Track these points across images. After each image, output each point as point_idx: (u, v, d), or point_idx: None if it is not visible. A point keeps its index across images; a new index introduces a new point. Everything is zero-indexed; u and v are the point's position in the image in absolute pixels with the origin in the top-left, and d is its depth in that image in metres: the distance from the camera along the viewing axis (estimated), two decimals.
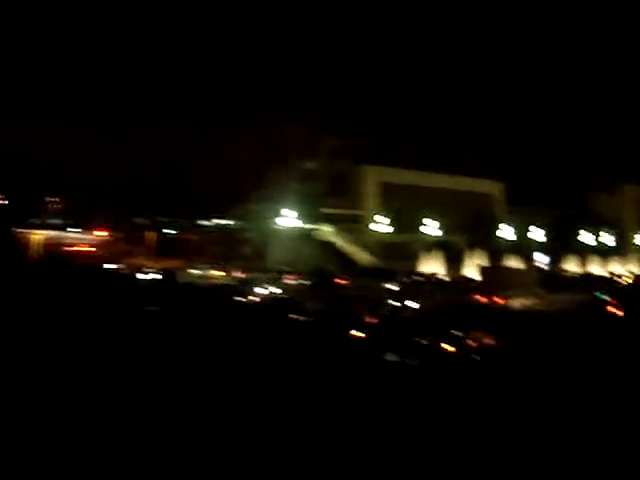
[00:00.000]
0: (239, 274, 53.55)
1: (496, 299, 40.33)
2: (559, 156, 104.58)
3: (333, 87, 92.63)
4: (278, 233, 72.42)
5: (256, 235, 73.89)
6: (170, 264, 57.58)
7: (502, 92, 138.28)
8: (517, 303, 39.79)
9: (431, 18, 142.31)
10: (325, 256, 66.97)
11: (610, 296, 44.36)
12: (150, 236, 73.04)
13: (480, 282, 55.44)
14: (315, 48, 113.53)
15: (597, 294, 43.81)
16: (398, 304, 32.23)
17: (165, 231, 74.03)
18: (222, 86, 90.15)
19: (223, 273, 54.96)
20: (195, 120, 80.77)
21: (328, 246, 73.90)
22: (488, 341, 19.46)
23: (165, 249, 68.31)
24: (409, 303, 31.63)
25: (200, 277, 51.09)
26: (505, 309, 37.22)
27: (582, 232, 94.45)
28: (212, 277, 52.85)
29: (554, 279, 65.56)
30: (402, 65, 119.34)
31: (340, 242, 76.05)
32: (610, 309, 35.34)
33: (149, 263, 60.47)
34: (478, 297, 41.76)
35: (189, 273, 53.08)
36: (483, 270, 60.10)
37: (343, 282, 49.08)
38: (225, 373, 17.32)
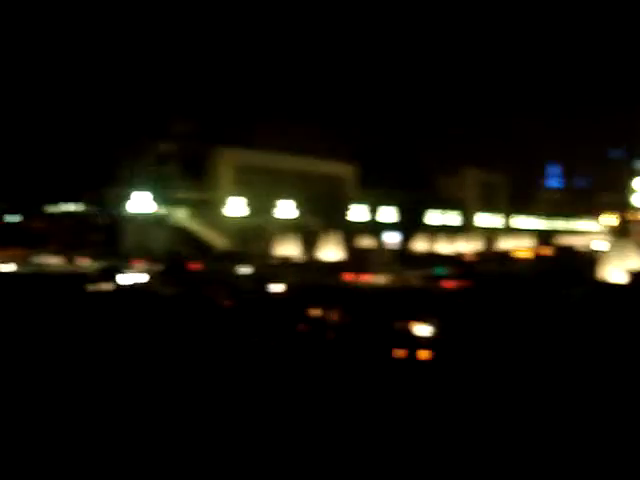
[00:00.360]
0: (87, 261, 51.24)
1: (363, 278, 41.65)
2: (407, 141, 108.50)
3: (186, 67, 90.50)
4: (131, 218, 70.05)
5: (108, 220, 71.13)
6: (12, 254, 54.21)
7: (355, 76, 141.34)
8: (381, 280, 41.13)
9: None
10: (179, 241, 65.68)
11: (454, 271, 47.02)
12: None
13: (346, 262, 56.81)
14: (169, 30, 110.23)
15: (436, 270, 46.00)
16: (255, 287, 32.08)
17: (7, 218, 69.68)
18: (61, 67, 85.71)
19: (69, 261, 52.35)
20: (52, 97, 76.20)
21: (182, 231, 72.45)
22: (342, 319, 19.77)
23: (6, 238, 64.24)
24: (272, 286, 31.57)
25: (44, 266, 48.38)
26: (367, 287, 38.27)
27: (429, 213, 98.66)
28: (57, 266, 50.14)
29: (405, 257, 68.18)
30: (254, 45, 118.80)
31: (195, 226, 74.77)
32: (445, 284, 37.54)
33: None
34: (346, 276, 42.92)
35: (33, 262, 50.23)
36: (349, 250, 62.00)
37: (197, 267, 48.22)
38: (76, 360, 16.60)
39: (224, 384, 15.00)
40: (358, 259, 56.26)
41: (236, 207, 79.37)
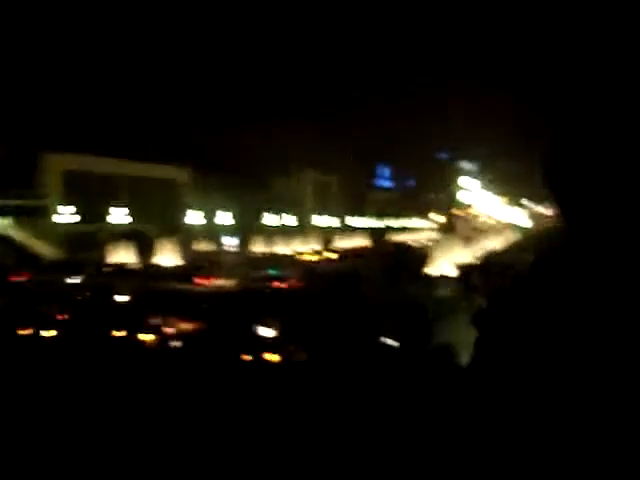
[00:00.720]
0: None
1: (211, 281, 41.42)
2: (242, 143, 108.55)
3: (12, 67, 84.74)
4: None
5: None
6: None
7: (185, 79, 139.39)
8: (228, 283, 41.21)
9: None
10: (2, 251, 61.31)
11: (291, 271, 47.96)
12: None
13: (188, 267, 55.98)
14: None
15: (269, 271, 46.62)
16: (90, 297, 30.57)
17: None
18: None
19: None
20: None
21: (5, 240, 67.70)
22: (186, 326, 19.23)
23: None
24: (117, 297, 30.17)
25: None
26: (215, 290, 37.99)
27: (267, 215, 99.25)
28: None
29: (245, 260, 68.22)
30: (86, 49, 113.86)
31: (20, 235, 70.14)
32: (276, 284, 38.41)
33: None
34: (198, 281, 42.75)
35: None
36: (192, 255, 61.45)
37: (22, 278, 45.25)
38: None
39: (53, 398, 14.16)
40: (201, 263, 56.08)
41: (66, 214, 75.41)
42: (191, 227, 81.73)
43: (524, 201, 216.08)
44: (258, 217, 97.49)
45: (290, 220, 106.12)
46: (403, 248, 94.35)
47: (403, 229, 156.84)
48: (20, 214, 71.81)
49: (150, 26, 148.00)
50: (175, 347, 18.18)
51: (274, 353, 16.56)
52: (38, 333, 21.26)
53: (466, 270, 46.74)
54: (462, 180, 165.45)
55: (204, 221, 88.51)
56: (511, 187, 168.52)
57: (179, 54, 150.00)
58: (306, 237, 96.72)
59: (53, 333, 21.27)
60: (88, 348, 19.27)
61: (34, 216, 73.01)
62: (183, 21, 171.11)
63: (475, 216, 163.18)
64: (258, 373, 15.96)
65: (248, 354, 16.57)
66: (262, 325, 18.09)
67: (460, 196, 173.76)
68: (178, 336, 18.60)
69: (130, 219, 79.45)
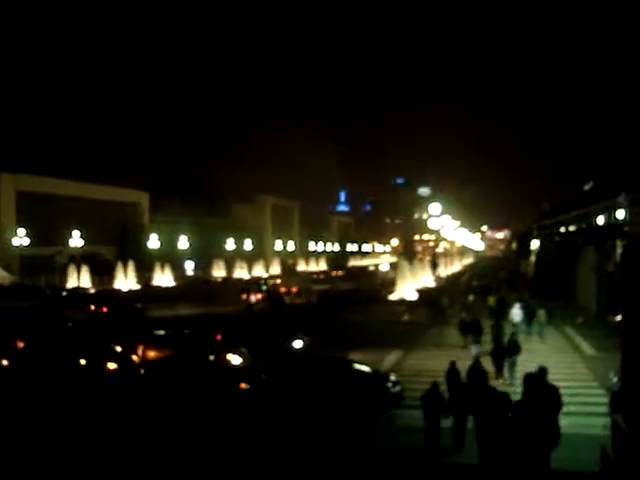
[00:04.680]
0: None
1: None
2: (202, 169, 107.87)
3: None
4: None
5: None
6: None
7: (147, 105, 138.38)
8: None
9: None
10: None
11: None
12: None
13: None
14: None
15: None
16: (46, 323, 29.47)
17: None
18: None
19: None
20: None
21: None
22: (155, 353, 18.57)
23: None
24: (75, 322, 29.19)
25: None
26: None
27: (226, 240, 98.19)
28: None
29: (208, 286, 67.39)
30: (36, 69, 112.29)
31: None
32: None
33: None
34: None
35: None
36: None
37: None
38: None
39: None
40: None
41: (20, 237, 73.24)
42: (151, 251, 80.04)
43: (483, 227, 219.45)
44: (218, 242, 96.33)
45: (251, 245, 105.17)
46: (363, 273, 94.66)
47: (363, 253, 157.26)
48: None
49: (108, 51, 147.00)
50: (141, 375, 17.52)
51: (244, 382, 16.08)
52: None
53: (427, 294, 46.85)
54: (421, 205, 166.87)
55: (163, 246, 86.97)
56: (468, 212, 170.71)
57: (141, 79, 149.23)
58: (267, 262, 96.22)
59: (5, 363, 20.21)
60: (45, 377, 18.39)
61: None
62: (142, 53, 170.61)
63: (434, 241, 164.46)
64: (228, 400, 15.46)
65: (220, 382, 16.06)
66: (233, 352, 17.61)
67: (419, 221, 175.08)
68: (144, 364, 17.94)
69: (88, 242, 77.48)
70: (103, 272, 65.68)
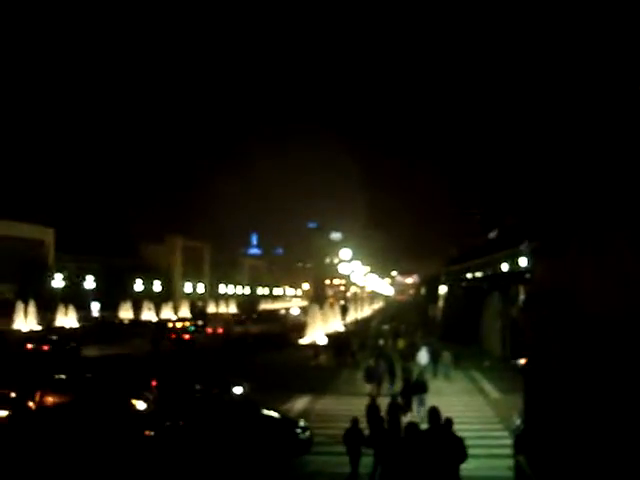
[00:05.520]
0: None
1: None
2: (111, 207, 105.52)
3: None
4: None
5: None
6: None
7: (55, 138, 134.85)
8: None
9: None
10: None
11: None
12: None
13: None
14: None
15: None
16: None
17: None
18: None
19: None
20: None
21: None
22: (53, 399, 17.65)
23: None
24: None
25: None
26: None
27: (135, 280, 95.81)
28: None
29: (113, 327, 65.44)
30: None
31: None
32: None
33: None
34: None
35: None
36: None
37: None
38: None
39: None
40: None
41: None
42: (55, 290, 76.97)
43: (393, 272, 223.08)
44: (125, 282, 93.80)
45: (158, 286, 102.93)
46: (274, 316, 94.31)
47: (274, 297, 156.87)
48: None
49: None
50: (36, 422, 16.57)
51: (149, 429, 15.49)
52: None
53: (337, 338, 46.98)
54: (332, 249, 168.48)
55: (67, 284, 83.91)
56: (378, 257, 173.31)
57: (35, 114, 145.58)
58: (175, 304, 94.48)
59: None
60: None
61: None
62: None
63: (345, 285, 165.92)
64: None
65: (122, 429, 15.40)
66: (137, 398, 16.95)
67: (330, 265, 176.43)
68: (41, 410, 17.01)
69: None
70: (2, 312, 62.72)
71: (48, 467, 14.26)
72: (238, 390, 21.42)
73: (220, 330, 60.65)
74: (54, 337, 44.86)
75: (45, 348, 40.33)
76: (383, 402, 15.98)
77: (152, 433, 15.39)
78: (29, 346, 41.06)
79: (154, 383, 19.10)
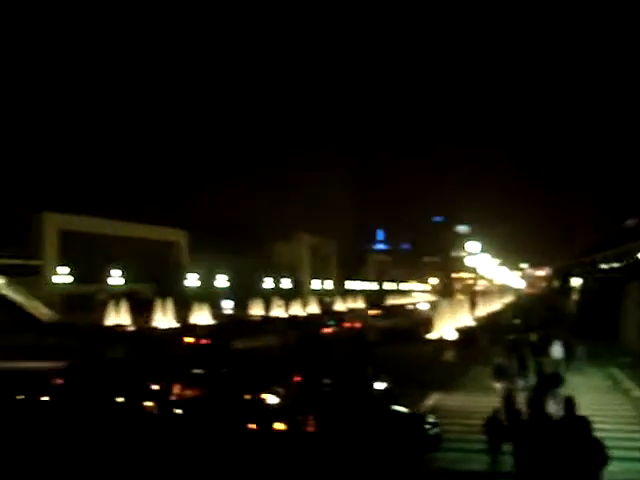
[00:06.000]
0: None
1: None
2: (240, 207, 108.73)
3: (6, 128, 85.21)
4: None
5: None
6: None
7: (181, 140, 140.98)
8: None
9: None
10: None
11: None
12: None
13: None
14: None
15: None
16: (85, 360, 29.70)
17: None
18: None
19: None
20: None
21: (1, 301, 66.82)
22: (190, 392, 18.49)
23: None
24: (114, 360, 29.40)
25: None
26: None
27: (264, 278, 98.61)
28: None
29: (244, 324, 67.73)
30: (87, 111, 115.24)
31: (15, 295, 69.21)
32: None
33: None
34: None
35: None
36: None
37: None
38: None
39: None
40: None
41: (62, 274, 74.64)
42: (189, 289, 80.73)
43: (523, 265, 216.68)
44: (255, 280, 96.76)
45: (287, 283, 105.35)
46: (402, 311, 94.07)
47: (402, 292, 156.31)
48: (15, 274, 71.07)
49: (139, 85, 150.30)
50: (177, 414, 17.49)
51: (282, 421, 15.89)
52: (32, 398, 20.55)
53: (467, 333, 46.15)
54: (459, 243, 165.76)
55: (200, 284, 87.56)
56: (507, 250, 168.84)
57: (174, 115, 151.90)
58: (303, 300, 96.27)
59: (46, 398, 20.53)
60: (84, 414, 18.56)
61: (29, 276, 72.28)
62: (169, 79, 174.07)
63: (473, 279, 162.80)
64: (266, 442, 15.30)
65: (254, 423, 15.93)
66: (270, 391, 17.43)
67: (457, 259, 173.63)
68: (180, 402, 17.93)
69: (127, 280, 78.58)
70: (142, 310, 66.15)
71: (180, 458, 15.02)
72: (380, 385, 21.27)
73: (357, 324, 62.01)
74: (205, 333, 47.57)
75: (202, 342, 42.78)
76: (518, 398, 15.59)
77: (282, 427, 15.76)
78: (189, 340, 43.64)
79: (292, 377, 19.44)
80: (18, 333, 48.29)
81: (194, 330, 54.61)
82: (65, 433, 17.49)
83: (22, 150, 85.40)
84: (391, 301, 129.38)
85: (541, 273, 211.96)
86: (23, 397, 20.84)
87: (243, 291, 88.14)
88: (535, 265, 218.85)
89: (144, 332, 55.83)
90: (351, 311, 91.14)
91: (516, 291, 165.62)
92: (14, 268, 71.44)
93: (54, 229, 77.52)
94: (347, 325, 62.35)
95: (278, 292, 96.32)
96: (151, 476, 14.53)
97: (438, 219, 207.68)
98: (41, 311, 68.08)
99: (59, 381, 21.74)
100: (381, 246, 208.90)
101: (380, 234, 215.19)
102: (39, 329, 52.38)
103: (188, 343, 43.27)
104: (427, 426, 15.84)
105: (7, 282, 69.94)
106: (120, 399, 19.12)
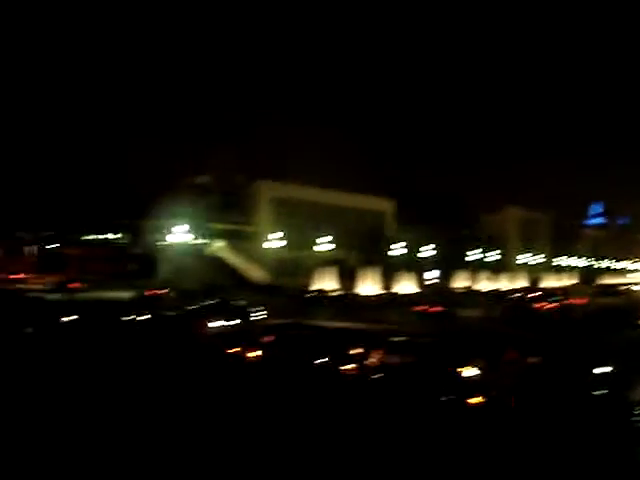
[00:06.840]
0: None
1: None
2: (448, 178, 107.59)
3: (226, 103, 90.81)
4: (168, 248, 69.77)
5: (145, 250, 71.04)
6: (51, 279, 54.29)
7: (399, 116, 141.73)
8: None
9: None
10: (215, 272, 65.02)
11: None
12: (30, 250, 69.05)
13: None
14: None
15: None
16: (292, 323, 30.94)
17: (47, 245, 70.09)
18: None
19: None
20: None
21: (219, 262, 71.97)
22: (392, 360, 18.70)
23: (46, 264, 64.69)
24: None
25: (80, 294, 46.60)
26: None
27: (471, 250, 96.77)
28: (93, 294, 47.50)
29: (447, 294, 67.00)
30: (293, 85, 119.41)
31: (231, 258, 74.24)
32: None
33: (31, 279, 57.09)
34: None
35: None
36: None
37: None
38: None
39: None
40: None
41: (273, 240, 78.63)
42: (393, 258, 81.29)
43: None
44: (461, 252, 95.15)
45: (494, 257, 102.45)
46: (616, 291, 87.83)
47: (614, 271, 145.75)
48: (231, 238, 76.24)
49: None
50: (375, 379, 17.77)
51: (479, 396, 15.51)
52: (244, 353, 21.90)
53: None
54: None
55: (406, 253, 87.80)
56: None
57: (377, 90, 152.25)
58: (511, 275, 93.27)
59: (258, 353, 21.83)
60: (288, 371, 19.44)
61: (244, 240, 77.09)
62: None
63: None
64: (461, 415, 15.02)
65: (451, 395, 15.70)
66: (469, 365, 17.07)
67: None
68: (380, 368, 18.20)
69: (335, 248, 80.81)
70: (347, 277, 67.76)
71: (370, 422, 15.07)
72: (606, 369, 19.74)
73: (581, 301, 58.81)
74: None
75: (433, 310, 43.85)
76: None
77: (478, 401, 15.39)
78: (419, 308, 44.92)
79: (504, 353, 18.86)
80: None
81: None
82: (271, 386, 18.36)
83: (238, 123, 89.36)
84: (603, 280, 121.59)
85: None
86: (234, 351, 22.32)
87: (448, 262, 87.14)
88: None
89: (348, 297, 57.40)
90: (573, 287, 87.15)
91: None
92: (231, 233, 76.71)
93: (268, 196, 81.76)
94: (570, 301, 59.22)
95: (484, 265, 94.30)
96: (342, 434, 14.74)
97: None
98: (253, 273, 72.39)
99: (270, 338, 23.06)
100: (596, 220, 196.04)
101: (597, 207, 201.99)
102: (250, 289, 55.47)
103: (418, 311, 44.12)
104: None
105: (224, 245, 75.17)
106: (322, 360, 19.82)
